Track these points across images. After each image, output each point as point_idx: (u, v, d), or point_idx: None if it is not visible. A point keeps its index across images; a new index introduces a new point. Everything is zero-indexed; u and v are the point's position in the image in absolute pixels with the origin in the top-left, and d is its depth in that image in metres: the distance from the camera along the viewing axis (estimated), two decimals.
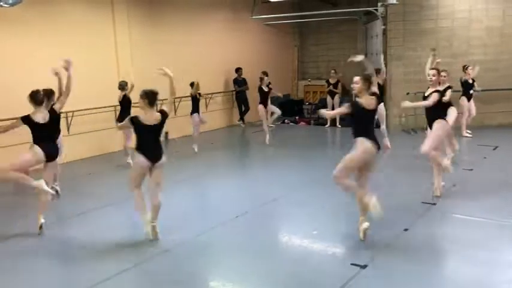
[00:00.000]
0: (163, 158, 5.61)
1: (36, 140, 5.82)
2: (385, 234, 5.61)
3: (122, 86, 9.33)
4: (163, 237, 5.67)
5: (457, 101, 11.02)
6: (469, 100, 11.27)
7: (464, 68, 11.20)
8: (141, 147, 5.53)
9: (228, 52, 14.12)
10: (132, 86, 9.32)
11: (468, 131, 11.43)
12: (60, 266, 5.27)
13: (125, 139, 9.21)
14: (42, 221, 5.95)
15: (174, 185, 7.87)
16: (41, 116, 5.81)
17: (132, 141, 7.05)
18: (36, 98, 5.83)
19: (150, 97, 5.47)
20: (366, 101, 5.37)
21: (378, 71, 8.38)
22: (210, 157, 10.43)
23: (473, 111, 11.32)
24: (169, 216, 6.60)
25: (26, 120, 5.75)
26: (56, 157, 6.19)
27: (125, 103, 9.29)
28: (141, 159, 5.49)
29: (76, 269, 5.18)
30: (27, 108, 5.89)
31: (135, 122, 5.50)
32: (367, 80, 5.41)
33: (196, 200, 7.70)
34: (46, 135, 5.90)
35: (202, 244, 5.56)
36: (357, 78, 5.42)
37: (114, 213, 6.86)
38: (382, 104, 9.23)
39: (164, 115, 5.57)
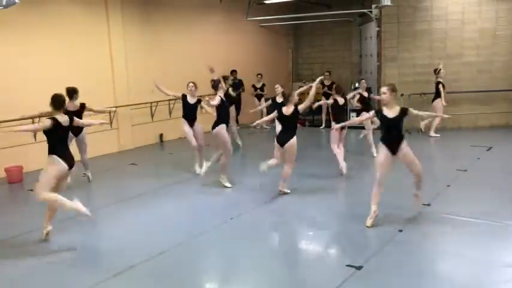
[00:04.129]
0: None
1: None
2: (380, 235, 5.63)
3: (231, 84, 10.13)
4: (160, 239, 5.66)
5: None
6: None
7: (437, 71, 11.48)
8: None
9: (222, 53, 14.07)
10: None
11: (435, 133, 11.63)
12: (56, 267, 5.24)
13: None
14: (50, 228, 5.77)
15: (165, 187, 7.87)
16: None
17: None
18: None
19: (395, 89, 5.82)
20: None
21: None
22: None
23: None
24: (164, 219, 6.59)
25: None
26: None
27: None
28: None
29: (72, 271, 5.15)
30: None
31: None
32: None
33: (190, 203, 7.63)
34: None
35: (198, 246, 5.55)
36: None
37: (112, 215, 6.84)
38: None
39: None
